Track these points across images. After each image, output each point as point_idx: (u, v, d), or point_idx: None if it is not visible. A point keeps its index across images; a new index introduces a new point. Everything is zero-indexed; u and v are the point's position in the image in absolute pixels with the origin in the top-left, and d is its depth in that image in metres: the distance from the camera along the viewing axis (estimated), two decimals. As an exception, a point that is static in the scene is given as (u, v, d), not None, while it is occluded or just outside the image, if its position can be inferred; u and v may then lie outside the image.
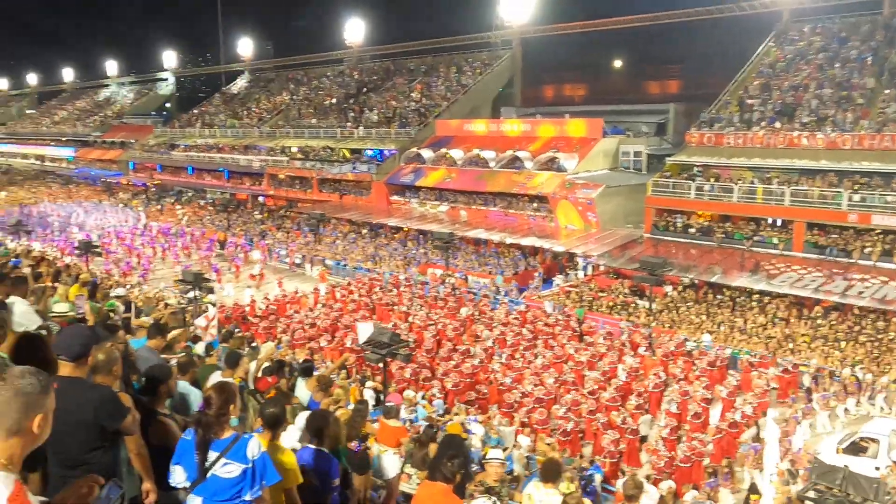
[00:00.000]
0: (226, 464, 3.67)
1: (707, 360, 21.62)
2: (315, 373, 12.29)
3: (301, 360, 12.23)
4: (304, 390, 8.59)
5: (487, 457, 5.69)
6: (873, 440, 16.24)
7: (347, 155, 50.74)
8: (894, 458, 15.32)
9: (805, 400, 19.44)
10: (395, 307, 29.40)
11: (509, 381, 20.48)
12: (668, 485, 13.32)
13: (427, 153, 45.64)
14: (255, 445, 3.72)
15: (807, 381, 20.76)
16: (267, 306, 29.79)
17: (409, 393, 17.23)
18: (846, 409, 19.30)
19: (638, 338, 24.13)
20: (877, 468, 15.03)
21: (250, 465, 3.68)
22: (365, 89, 60.95)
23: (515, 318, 26.85)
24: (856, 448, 16.25)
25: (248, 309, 29.58)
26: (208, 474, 3.66)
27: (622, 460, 16.99)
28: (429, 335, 24.65)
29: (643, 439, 17.86)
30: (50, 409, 2.37)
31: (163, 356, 7.26)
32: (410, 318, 27.43)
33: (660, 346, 23.28)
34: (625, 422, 17.57)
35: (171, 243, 46.38)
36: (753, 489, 14.72)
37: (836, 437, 17.41)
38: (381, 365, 17.65)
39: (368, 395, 16.02)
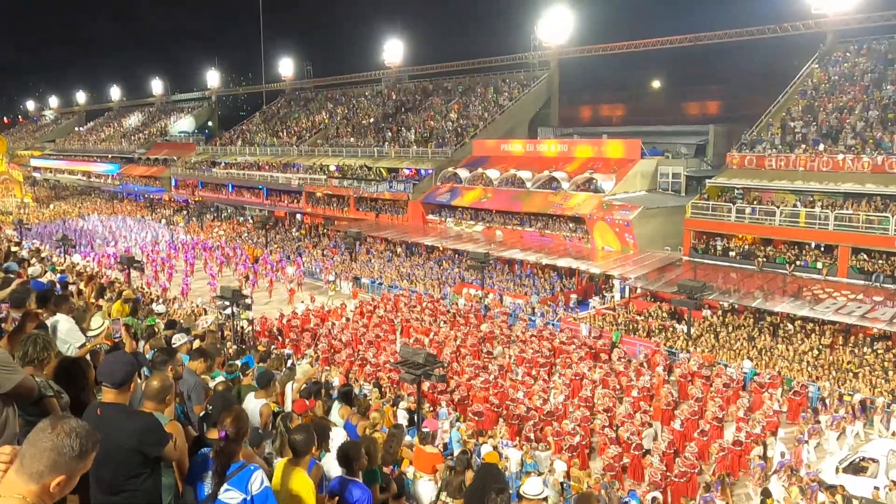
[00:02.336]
0: (227, 490, 3.71)
1: (722, 381, 21.87)
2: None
3: (340, 385, 12.23)
4: (337, 416, 8.57)
5: (524, 489, 5.59)
6: (873, 460, 16.55)
7: (384, 174, 51.13)
8: (893, 478, 15.56)
9: (813, 420, 19.71)
10: (416, 323, 30.06)
11: (521, 394, 20.99)
12: (652, 496, 14.22)
13: (463, 173, 45.75)
14: (259, 479, 3.71)
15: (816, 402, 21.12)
16: (290, 321, 30.26)
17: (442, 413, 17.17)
18: (857, 433, 19.37)
19: (658, 357, 24.43)
20: (876, 488, 15.65)
21: (249, 498, 3.69)
22: (403, 109, 61.49)
23: (533, 336, 27.21)
24: (856, 468, 16.56)
25: (275, 322, 29.92)
26: (216, 498, 3.72)
27: (625, 474, 17.43)
28: (448, 350, 25.24)
29: (646, 454, 17.97)
30: (79, 473, 2.37)
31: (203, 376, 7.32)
32: (431, 335, 27.94)
33: (678, 365, 23.59)
34: (630, 438, 17.89)
35: (203, 259, 47.18)
36: (767, 493, 15.03)
37: (837, 457, 17.68)
38: (415, 385, 17.58)
39: (402, 416, 15.99)
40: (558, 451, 17.72)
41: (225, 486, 3.70)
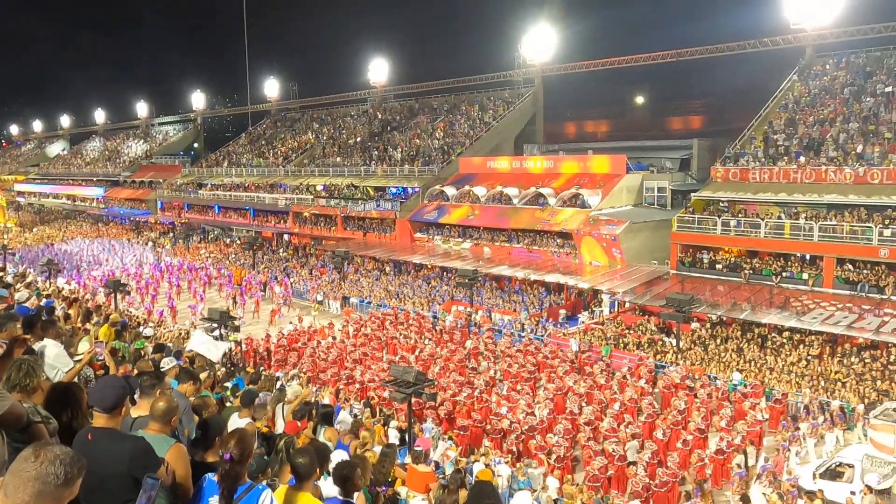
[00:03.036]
0: None
1: (706, 391, 22.29)
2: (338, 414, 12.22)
3: (322, 404, 12.14)
4: (323, 438, 8.53)
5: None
6: (849, 465, 16.80)
7: (371, 193, 51.18)
8: (867, 483, 15.73)
9: (793, 428, 20.03)
10: (403, 340, 30.23)
11: (504, 410, 21.13)
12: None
13: (450, 190, 45.89)
14: (268, 499, 3.68)
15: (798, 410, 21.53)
16: (279, 341, 30.27)
17: (427, 427, 17.06)
18: (837, 439, 19.60)
19: (642, 370, 24.74)
20: (852, 492, 15.79)
21: None
22: (388, 128, 61.71)
23: (518, 351, 27.41)
24: (832, 473, 16.85)
25: (262, 343, 29.81)
26: None
27: (608, 486, 17.59)
28: (436, 368, 25.35)
29: (630, 465, 18.14)
30: (66, 500, 2.30)
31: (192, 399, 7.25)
32: (417, 351, 28.12)
33: (662, 378, 23.86)
34: (614, 450, 18.19)
35: (187, 279, 46.98)
36: (746, 499, 15.44)
37: (815, 463, 17.91)
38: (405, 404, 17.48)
39: (393, 436, 15.89)
40: (542, 464, 17.80)
41: None
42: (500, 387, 23.89)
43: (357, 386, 24.33)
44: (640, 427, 20.15)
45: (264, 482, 4.05)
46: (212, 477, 3.73)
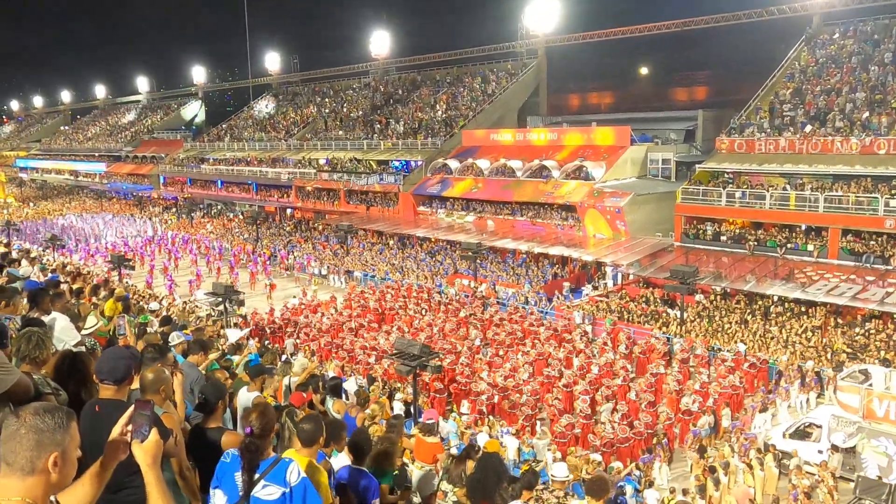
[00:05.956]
0: (265, 486, 3.63)
1: (681, 357, 23.17)
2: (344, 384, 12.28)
3: (331, 377, 12.19)
4: (332, 411, 8.57)
5: (552, 473, 5.67)
6: (817, 426, 17.38)
7: (374, 166, 50.99)
8: (834, 442, 16.54)
9: (766, 392, 21.03)
10: (402, 312, 30.65)
11: (485, 374, 22.16)
12: (595, 457, 15.63)
13: (454, 163, 45.68)
14: (296, 470, 3.66)
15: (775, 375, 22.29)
16: (283, 315, 30.42)
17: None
18: (807, 400, 20.34)
19: (621, 336, 25.59)
20: (820, 451, 16.68)
21: (289, 490, 3.63)
22: (391, 101, 61.28)
23: (503, 320, 28.23)
24: (801, 434, 17.44)
25: (266, 318, 29.90)
26: (249, 497, 3.62)
27: (574, 442, 18.35)
28: (422, 336, 25.77)
29: (597, 423, 19.04)
30: (70, 448, 2.22)
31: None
32: (416, 323, 28.52)
33: (635, 343, 24.91)
34: (583, 409, 19.38)
35: (184, 253, 47.26)
36: (702, 450, 16.53)
37: (786, 424, 18.47)
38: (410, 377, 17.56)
39: (398, 408, 15.99)
40: (512, 423, 19.13)
41: (262, 482, 3.62)
42: (484, 352, 24.83)
43: (345, 355, 25.10)
44: (615, 389, 21.06)
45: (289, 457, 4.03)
46: (234, 451, 3.71)
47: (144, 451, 2.59)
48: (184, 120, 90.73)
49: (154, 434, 2.62)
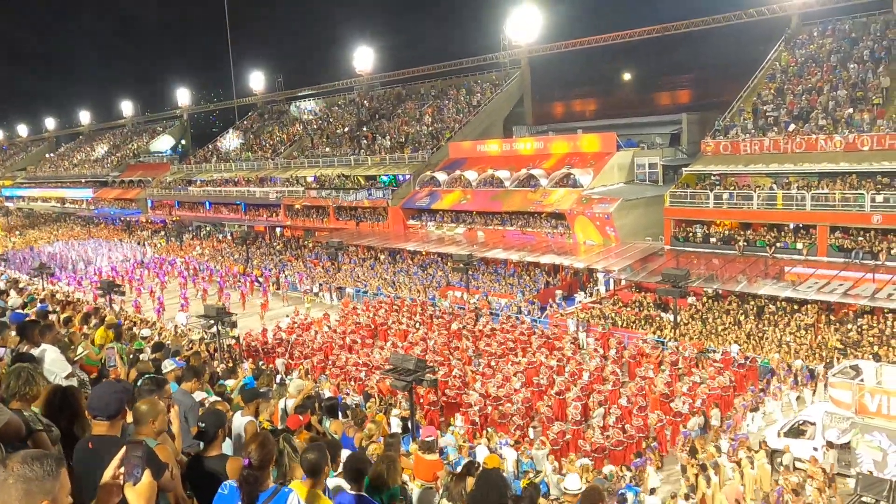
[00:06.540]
0: None
1: (671, 360, 23.31)
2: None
3: (326, 397, 12.11)
4: (330, 431, 8.49)
5: (565, 486, 5.66)
6: (811, 423, 17.43)
7: (362, 182, 50.97)
8: (828, 439, 16.54)
9: (758, 391, 21.10)
10: (395, 326, 30.59)
11: (478, 384, 22.23)
12: (583, 462, 15.71)
13: (441, 176, 45.73)
14: (295, 500, 3.61)
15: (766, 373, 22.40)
16: (276, 334, 30.24)
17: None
18: (799, 397, 20.55)
19: (612, 342, 25.80)
20: (814, 448, 16.75)
21: None
22: (377, 116, 61.37)
23: (494, 330, 28.35)
24: (796, 431, 17.50)
25: (260, 338, 29.77)
26: None
27: (567, 449, 18.58)
28: (418, 350, 25.80)
29: (588, 429, 19.27)
30: (60, 496, 2.18)
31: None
32: (410, 337, 28.54)
33: (625, 348, 25.12)
34: (572, 416, 19.61)
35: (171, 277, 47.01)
36: (693, 451, 16.40)
37: (781, 422, 18.59)
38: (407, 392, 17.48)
39: (395, 424, 15.90)
40: (504, 431, 19.20)
41: None
42: (476, 363, 24.81)
43: (338, 372, 25.13)
44: (607, 395, 21.18)
45: (289, 487, 3.96)
46: (232, 483, 3.65)
47: (137, 494, 2.56)
48: (175, 135, 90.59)
49: (147, 476, 2.59)
